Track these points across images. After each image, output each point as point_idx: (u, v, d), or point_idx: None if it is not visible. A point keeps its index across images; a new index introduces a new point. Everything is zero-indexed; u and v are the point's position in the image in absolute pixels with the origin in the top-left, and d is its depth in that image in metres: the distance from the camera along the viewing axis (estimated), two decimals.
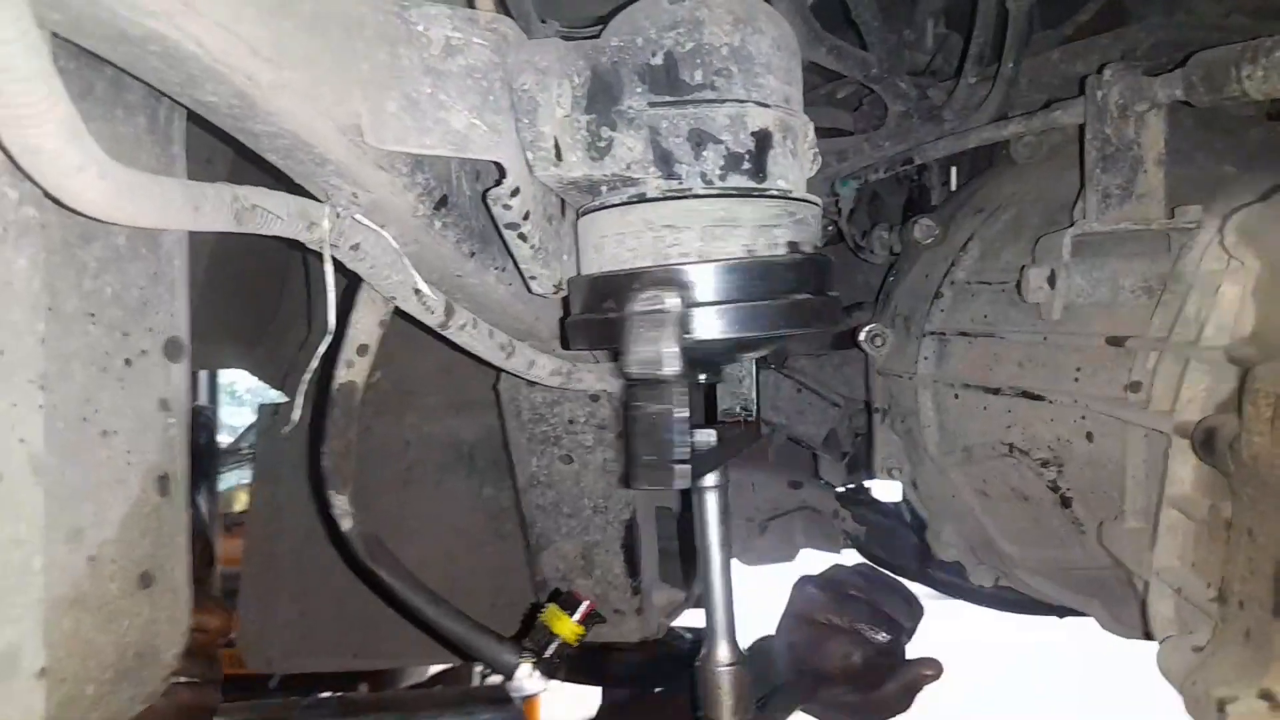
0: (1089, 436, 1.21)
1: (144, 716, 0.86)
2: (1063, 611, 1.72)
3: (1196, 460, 0.98)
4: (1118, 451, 1.15)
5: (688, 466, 0.83)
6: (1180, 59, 1.20)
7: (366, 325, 0.99)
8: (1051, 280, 1.22)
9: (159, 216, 0.71)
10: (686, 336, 0.84)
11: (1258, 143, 1.49)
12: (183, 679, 1.16)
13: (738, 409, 1.14)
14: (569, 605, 1.06)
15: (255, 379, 2.27)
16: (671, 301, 0.83)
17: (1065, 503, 1.28)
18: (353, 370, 1.00)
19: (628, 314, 0.84)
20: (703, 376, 1.01)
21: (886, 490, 2.06)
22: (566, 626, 1.05)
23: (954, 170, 1.83)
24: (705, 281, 0.86)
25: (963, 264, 1.49)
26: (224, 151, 1.25)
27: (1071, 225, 1.25)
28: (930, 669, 1.64)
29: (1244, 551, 0.87)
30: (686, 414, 0.85)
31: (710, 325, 0.86)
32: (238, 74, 0.67)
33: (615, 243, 0.89)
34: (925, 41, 1.87)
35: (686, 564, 1.77)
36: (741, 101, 0.88)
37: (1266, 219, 0.90)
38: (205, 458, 3.56)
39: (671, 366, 0.82)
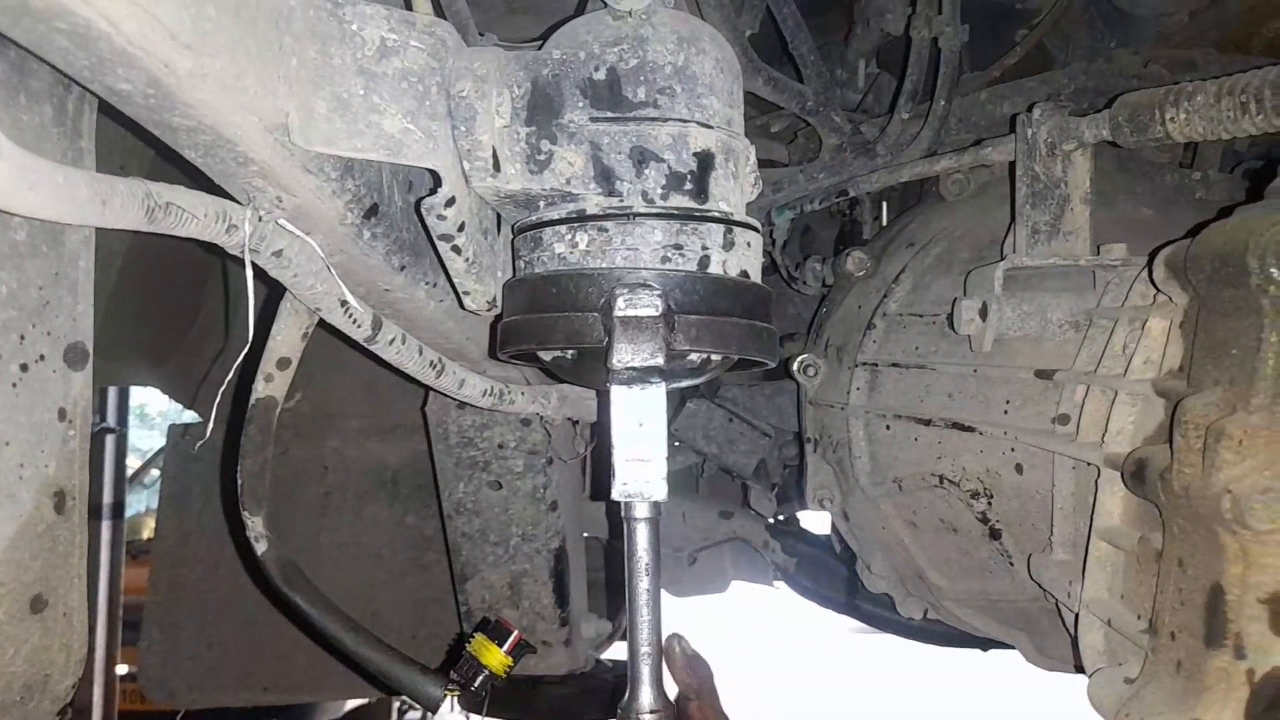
0: (1018, 468, 1.22)
1: None
2: (988, 644, 1.73)
3: (1126, 492, 0.99)
4: (1046, 483, 1.16)
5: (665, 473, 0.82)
6: (1102, 104, 1.24)
7: (289, 337, 0.94)
8: (983, 313, 1.24)
9: (62, 209, 0.66)
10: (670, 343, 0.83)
11: (1172, 188, 1.54)
12: None
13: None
14: (498, 635, 1.01)
15: (167, 400, 2.17)
16: (657, 304, 0.82)
17: (994, 534, 1.28)
18: (272, 385, 0.94)
19: (614, 313, 0.82)
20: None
21: (816, 521, 2.05)
22: (495, 657, 1.00)
23: (885, 205, 1.86)
24: (685, 290, 0.85)
25: (895, 296, 1.50)
26: (142, 153, 1.19)
27: (1002, 259, 1.27)
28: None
29: (1174, 582, 0.87)
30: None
31: (690, 333, 0.84)
32: (153, 59, 0.63)
33: (566, 247, 0.87)
34: (857, 80, 1.91)
35: (614, 594, 1.73)
36: (684, 121, 0.87)
37: (1195, 255, 0.91)
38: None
39: (658, 367, 0.81)
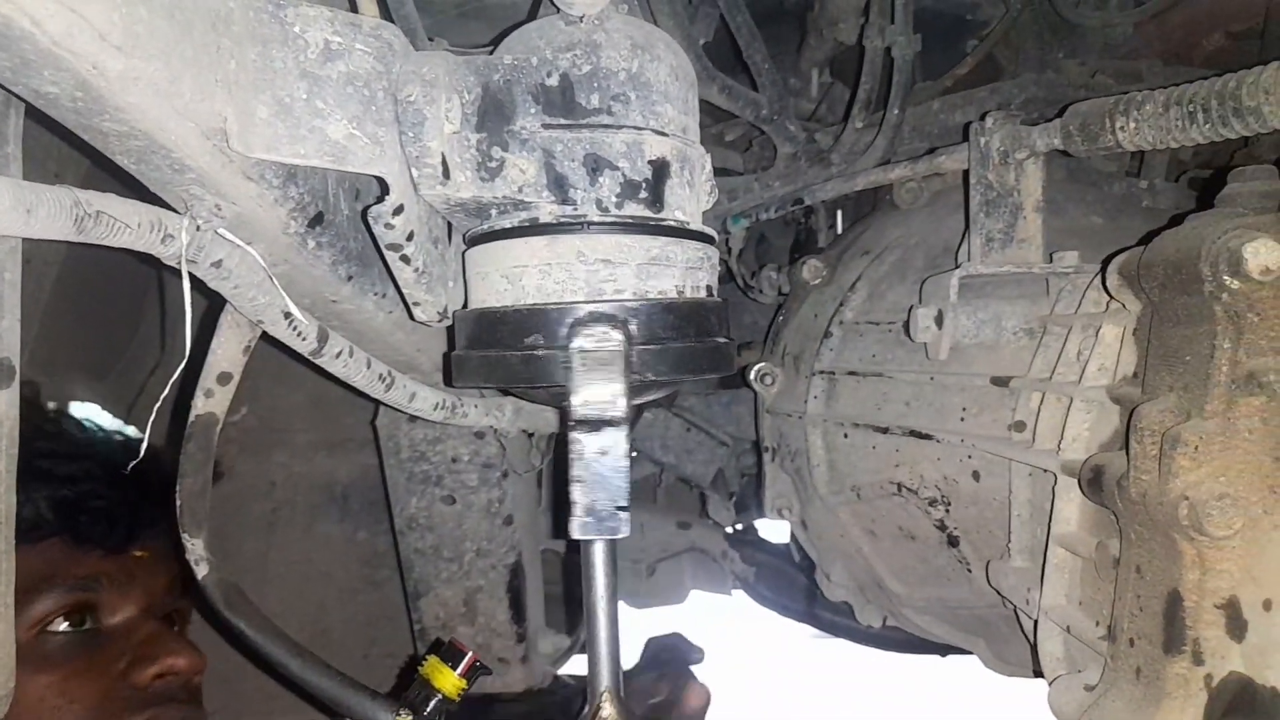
0: (975, 475, 1.22)
1: None
2: (946, 650, 1.73)
3: (1083, 498, 0.99)
4: (1003, 490, 1.16)
5: (628, 513, 0.79)
6: (1052, 113, 1.25)
7: (229, 351, 0.91)
8: (939, 320, 1.24)
9: None
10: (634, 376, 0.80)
11: (1120, 196, 1.56)
12: None
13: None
14: (451, 657, 0.98)
15: (108, 414, 2.09)
16: (618, 339, 0.79)
17: (952, 541, 1.28)
18: (212, 400, 0.91)
19: (572, 350, 0.79)
20: None
21: (775, 530, 2.05)
22: (448, 680, 0.97)
23: (840, 213, 1.86)
24: (646, 320, 0.83)
25: (851, 304, 1.50)
26: (76, 163, 1.14)
27: (957, 267, 1.27)
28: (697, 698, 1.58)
29: (1132, 589, 0.87)
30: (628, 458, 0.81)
31: (653, 365, 0.82)
32: (82, 61, 0.60)
33: (539, 274, 0.84)
34: (811, 89, 1.92)
35: (573, 608, 1.70)
36: (639, 128, 0.85)
37: (1148, 263, 0.92)
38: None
39: (621, 407, 0.78)
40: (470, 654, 0.98)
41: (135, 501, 1.18)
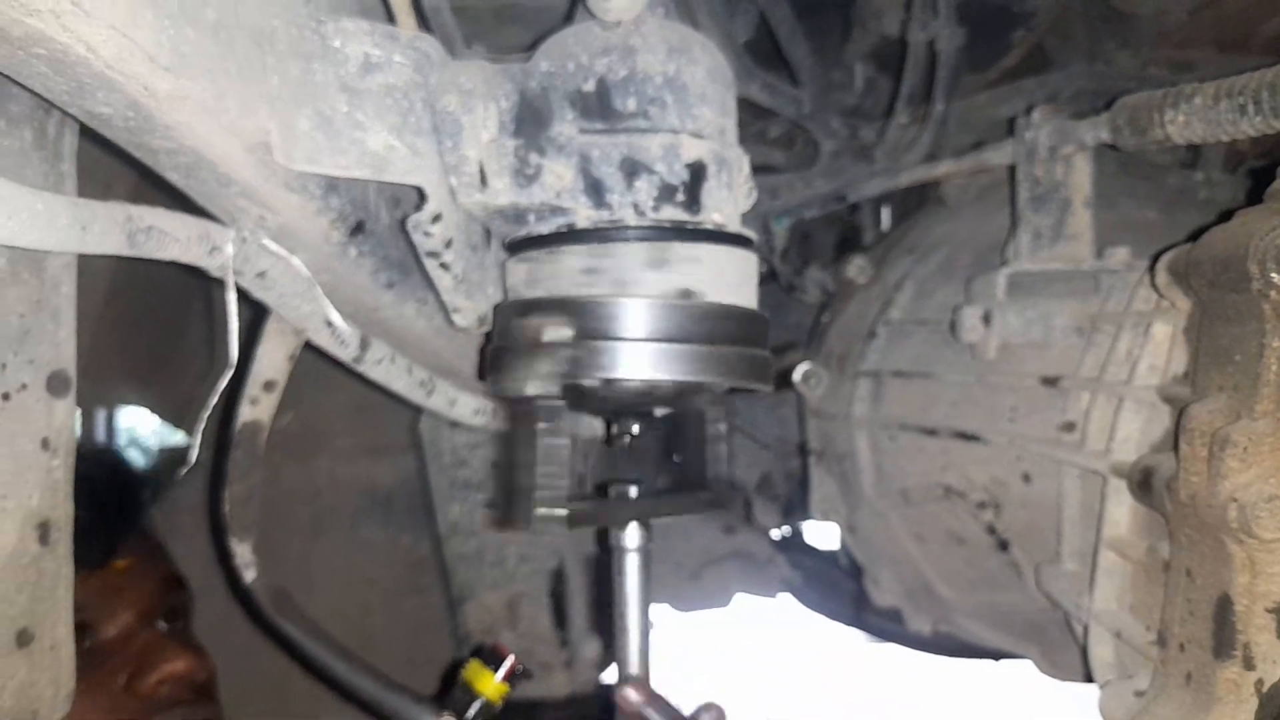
0: (1025, 478, 1.20)
1: None
2: (999, 655, 1.70)
3: (1133, 501, 0.97)
4: (1053, 492, 1.14)
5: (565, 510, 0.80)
6: (1102, 105, 1.22)
7: (274, 359, 0.93)
8: (987, 319, 1.22)
9: (41, 237, 0.65)
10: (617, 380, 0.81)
11: (1175, 189, 1.53)
12: None
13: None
14: (493, 661, 0.99)
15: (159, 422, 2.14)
16: (560, 332, 0.81)
17: (1003, 546, 1.26)
18: (257, 408, 0.93)
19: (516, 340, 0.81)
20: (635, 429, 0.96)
21: (822, 534, 2.03)
22: (490, 685, 0.98)
23: (885, 211, 1.84)
24: (680, 322, 0.83)
25: (897, 304, 1.48)
26: (125, 176, 1.18)
27: (1004, 265, 1.25)
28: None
29: (1182, 593, 0.85)
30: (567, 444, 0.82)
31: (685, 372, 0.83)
32: (133, 83, 0.62)
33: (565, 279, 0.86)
34: (854, 83, 1.89)
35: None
36: (676, 131, 0.85)
37: (1196, 260, 0.90)
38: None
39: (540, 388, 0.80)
40: (512, 657, 0.98)
41: (107, 514, 1.18)
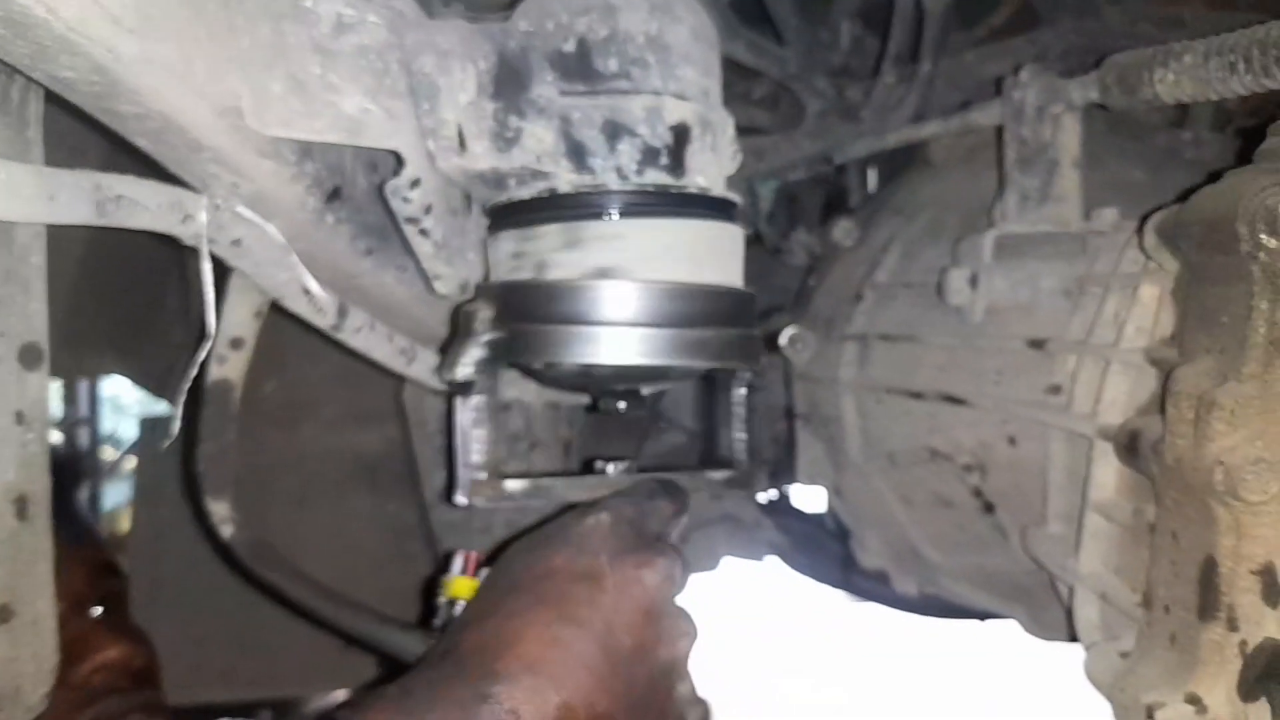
0: (1011, 440, 1.20)
1: None
2: (985, 616, 1.72)
3: (1119, 463, 0.97)
4: (1039, 455, 1.14)
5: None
6: (1091, 63, 1.21)
7: (239, 316, 0.90)
8: (973, 282, 1.21)
9: (6, 206, 0.64)
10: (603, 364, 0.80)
11: (1163, 149, 1.51)
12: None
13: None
14: (454, 567, 0.96)
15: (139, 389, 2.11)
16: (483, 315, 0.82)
17: (988, 508, 1.26)
18: (226, 366, 0.91)
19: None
20: (621, 405, 0.95)
21: (808, 497, 2.04)
22: (464, 586, 0.95)
23: (872, 172, 1.82)
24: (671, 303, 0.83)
25: (883, 266, 1.47)
26: (97, 143, 1.15)
27: (991, 227, 1.24)
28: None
29: (1168, 555, 0.86)
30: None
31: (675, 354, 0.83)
32: (96, 46, 0.60)
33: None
34: (840, 42, 1.86)
35: None
36: (658, 93, 0.84)
37: (1184, 221, 0.89)
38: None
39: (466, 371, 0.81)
40: (465, 552, 0.95)
41: None
